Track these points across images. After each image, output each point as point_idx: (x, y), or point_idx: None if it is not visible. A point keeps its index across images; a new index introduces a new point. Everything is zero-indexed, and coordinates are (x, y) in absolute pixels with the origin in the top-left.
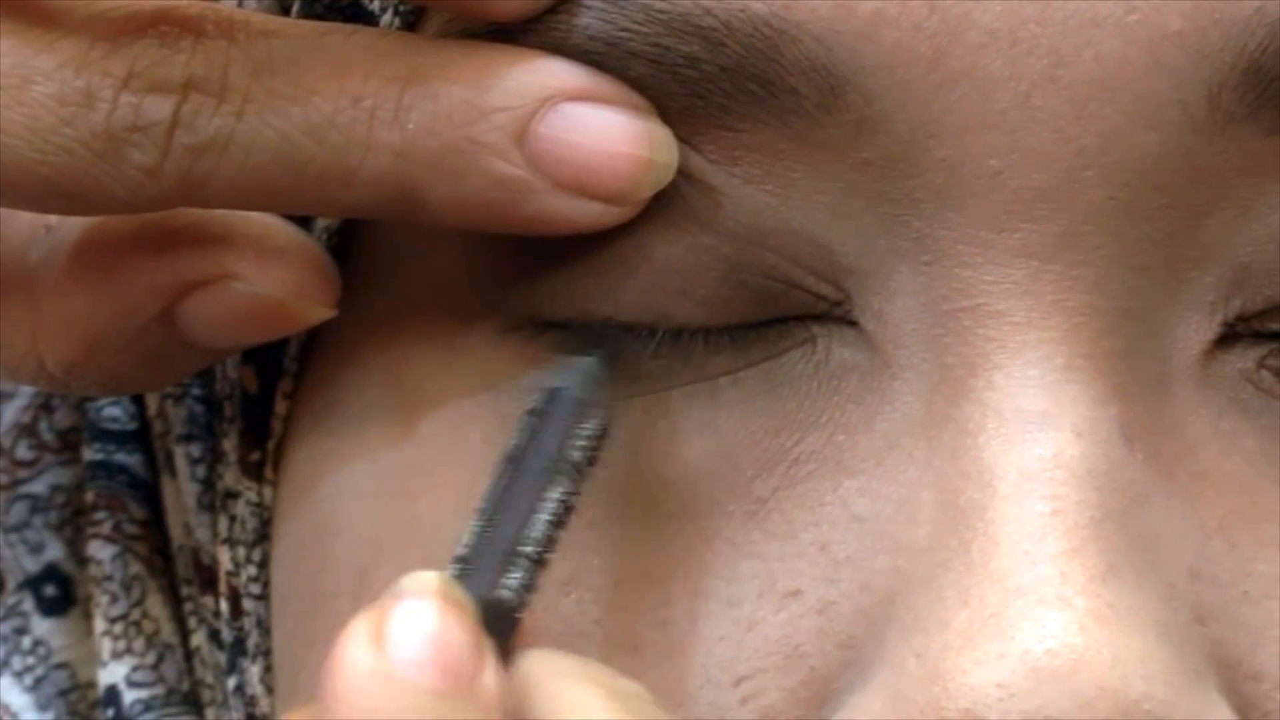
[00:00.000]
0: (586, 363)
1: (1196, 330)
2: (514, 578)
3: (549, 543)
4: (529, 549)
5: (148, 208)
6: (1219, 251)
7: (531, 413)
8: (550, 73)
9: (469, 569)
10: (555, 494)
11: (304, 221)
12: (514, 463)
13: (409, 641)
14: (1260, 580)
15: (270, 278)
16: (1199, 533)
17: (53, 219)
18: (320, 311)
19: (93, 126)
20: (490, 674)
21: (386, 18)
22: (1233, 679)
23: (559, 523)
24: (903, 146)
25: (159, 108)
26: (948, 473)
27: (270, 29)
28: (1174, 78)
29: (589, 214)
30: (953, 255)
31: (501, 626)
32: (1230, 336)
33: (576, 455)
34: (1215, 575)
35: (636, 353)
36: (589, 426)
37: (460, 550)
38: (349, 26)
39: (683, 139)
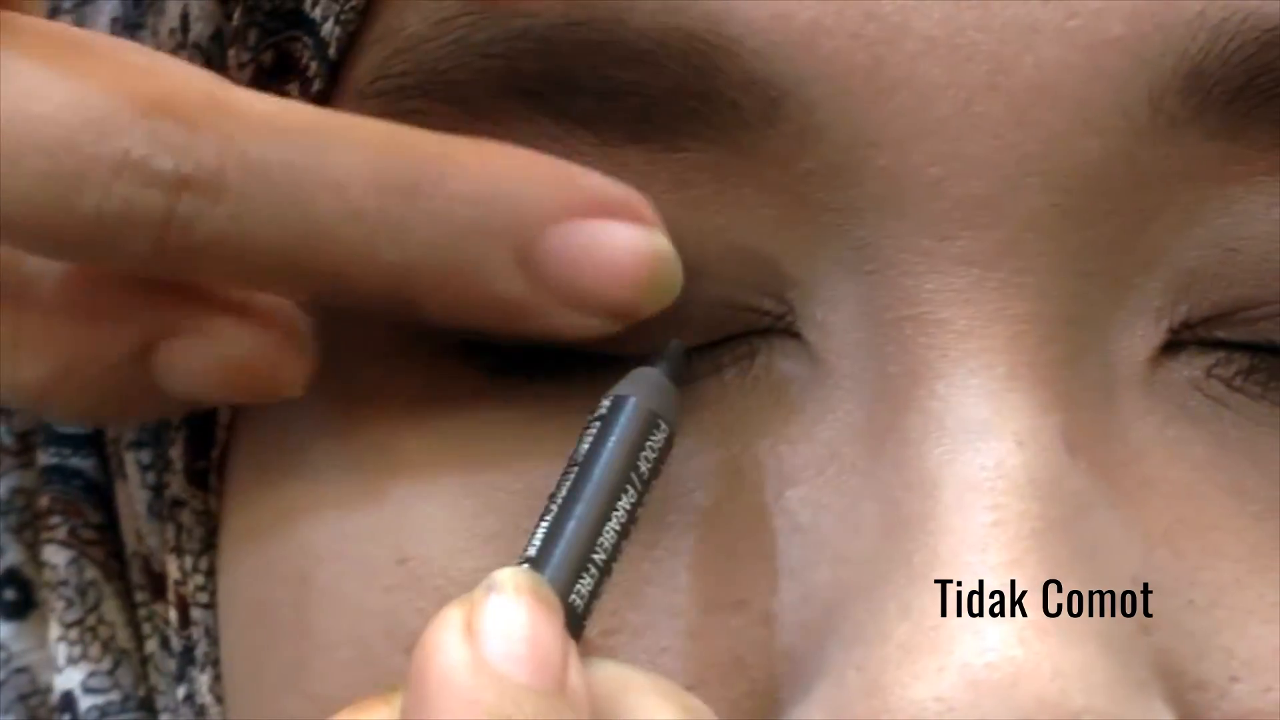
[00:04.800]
0: (652, 373)
1: (1142, 337)
2: (584, 585)
3: (616, 552)
4: (599, 557)
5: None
6: (1164, 257)
7: (598, 419)
8: (557, 185)
9: (538, 571)
10: (625, 504)
11: None
12: (582, 469)
13: (503, 636)
14: (1206, 589)
15: (244, 343)
16: (1143, 541)
17: None
18: (289, 389)
19: (84, 211)
20: (577, 675)
21: (328, 26)
22: (1177, 688)
23: (624, 533)
24: (844, 155)
25: (152, 203)
26: (890, 483)
27: (273, 125)
28: (1115, 83)
29: (591, 327)
30: (895, 264)
31: (571, 633)
32: (1177, 344)
33: (645, 467)
34: (1160, 584)
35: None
36: (658, 438)
37: (529, 551)
38: (352, 120)
39: (637, 171)
